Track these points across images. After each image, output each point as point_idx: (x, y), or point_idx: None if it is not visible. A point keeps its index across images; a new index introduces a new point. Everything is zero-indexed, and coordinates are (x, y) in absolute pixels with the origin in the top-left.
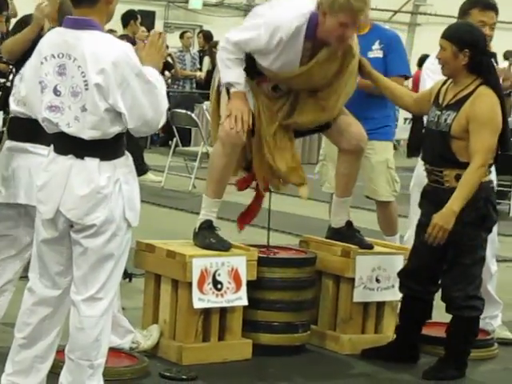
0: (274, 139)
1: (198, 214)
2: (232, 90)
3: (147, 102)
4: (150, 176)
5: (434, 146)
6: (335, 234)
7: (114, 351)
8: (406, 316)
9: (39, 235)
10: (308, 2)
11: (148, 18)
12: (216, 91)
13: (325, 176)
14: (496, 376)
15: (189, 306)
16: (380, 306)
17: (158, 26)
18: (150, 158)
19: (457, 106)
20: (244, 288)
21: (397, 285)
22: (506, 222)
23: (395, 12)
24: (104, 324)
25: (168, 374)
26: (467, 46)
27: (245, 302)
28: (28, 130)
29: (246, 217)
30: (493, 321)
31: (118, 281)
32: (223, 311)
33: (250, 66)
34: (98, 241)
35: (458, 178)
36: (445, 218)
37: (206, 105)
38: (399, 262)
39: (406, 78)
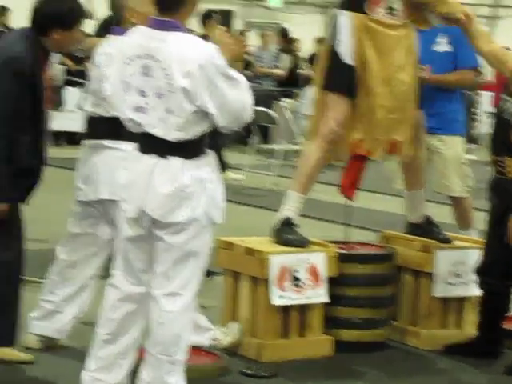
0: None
1: (277, 211)
2: None
3: (235, 98)
4: (230, 174)
5: (497, 134)
6: (414, 228)
7: (193, 349)
8: (485, 311)
9: (124, 233)
10: None
11: (226, 17)
12: (323, 85)
13: (395, 173)
14: None
15: (268, 303)
16: (461, 301)
17: (237, 24)
18: (230, 155)
19: None
20: (324, 284)
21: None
22: None
23: (474, 5)
24: (185, 320)
25: (248, 372)
26: None
27: (325, 299)
28: (105, 127)
29: (352, 184)
30: None
31: (200, 278)
32: (303, 308)
33: None
34: (181, 237)
35: None
36: None
37: (285, 102)
38: (478, 256)
39: (476, 69)
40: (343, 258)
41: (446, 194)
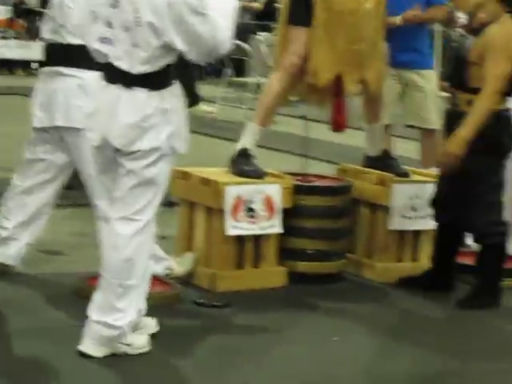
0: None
1: None
2: None
3: (206, 33)
4: (203, 106)
5: (455, 68)
6: (372, 162)
7: None
8: (440, 244)
9: (94, 162)
10: None
11: None
12: (286, 17)
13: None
14: None
15: (223, 233)
16: (416, 234)
17: None
18: (203, 88)
19: (479, 31)
20: (278, 215)
21: None
22: None
23: None
24: (138, 245)
25: (201, 301)
26: None
27: (279, 230)
28: (61, 54)
29: (340, 117)
30: None
31: (156, 206)
32: (258, 239)
33: None
34: (140, 164)
35: (469, 102)
36: (455, 144)
37: (262, 35)
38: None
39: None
40: (299, 190)
41: (422, 126)
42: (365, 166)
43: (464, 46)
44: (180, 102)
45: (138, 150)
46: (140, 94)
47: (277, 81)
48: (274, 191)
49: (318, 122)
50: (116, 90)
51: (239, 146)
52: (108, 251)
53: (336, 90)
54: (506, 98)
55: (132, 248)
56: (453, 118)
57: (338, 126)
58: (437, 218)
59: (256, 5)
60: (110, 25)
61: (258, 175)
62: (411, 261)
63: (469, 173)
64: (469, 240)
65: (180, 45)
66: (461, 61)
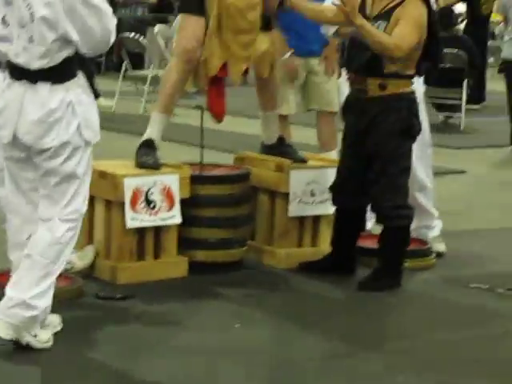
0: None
1: None
2: None
3: (95, 24)
4: (102, 101)
5: (360, 55)
6: (268, 150)
7: None
8: (339, 229)
9: (5, 154)
10: None
11: None
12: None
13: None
14: (431, 285)
15: (122, 225)
16: (316, 219)
17: None
18: (102, 83)
19: (387, 15)
20: (177, 206)
21: None
22: (458, 135)
23: None
24: (70, 236)
25: (103, 294)
26: None
27: (178, 220)
28: None
29: (218, 106)
30: (428, 231)
31: (85, 196)
32: (158, 230)
33: None
34: (56, 162)
35: (381, 86)
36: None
37: (159, 27)
38: (333, 176)
39: None
40: (197, 180)
41: (325, 109)
42: (263, 153)
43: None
44: (86, 93)
45: (50, 148)
46: (43, 88)
47: (173, 68)
48: (172, 181)
49: None
50: (21, 87)
51: (144, 136)
52: (42, 231)
53: (214, 78)
54: (412, 81)
55: (65, 236)
56: (360, 103)
57: (216, 114)
58: (335, 201)
59: None
60: (5, 22)
61: (155, 166)
62: (311, 246)
63: (381, 155)
64: (368, 224)
65: (75, 36)
66: (364, 48)
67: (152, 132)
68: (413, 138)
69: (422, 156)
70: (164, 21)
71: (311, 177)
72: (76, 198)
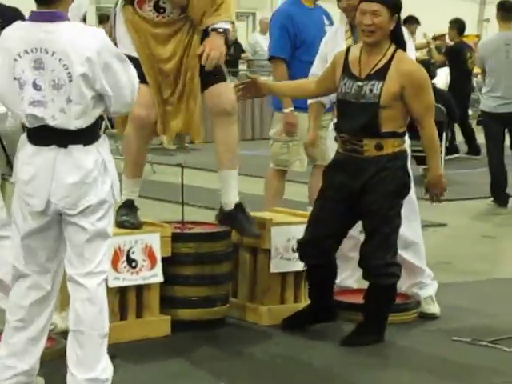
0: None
1: None
2: None
3: (126, 80)
4: None
5: (355, 117)
6: (222, 217)
7: None
8: (314, 283)
9: (26, 226)
10: None
11: None
12: None
13: (296, 155)
14: (414, 339)
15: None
16: (298, 275)
17: (91, 10)
18: None
19: (380, 74)
20: (159, 264)
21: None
22: None
23: None
24: (103, 295)
25: None
26: (398, 10)
27: (160, 279)
28: None
29: None
30: (420, 290)
31: (109, 255)
32: (140, 289)
33: None
34: (91, 219)
35: (377, 146)
36: (438, 181)
37: None
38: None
39: None
40: (178, 238)
41: (323, 164)
42: (218, 221)
43: (363, 94)
44: (109, 151)
45: (89, 206)
46: (77, 150)
47: (130, 135)
48: (153, 240)
49: (196, 169)
50: (51, 152)
51: (122, 197)
52: (80, 306)
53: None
54: (404, 140)
55: (101, 299)
56: (354, 163)
57: None
58: (306, 256)
59: None
60: (38, 87)
61: (135, 226)
62: (294, 302)
63: (376, 215)
64: (350, 280)
65: (110, 91)
66: (359, 109)
67: (128, 194)
68: (405, 197)
69: (409, 213)
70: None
71: (292, 233)
72: (105, 255)
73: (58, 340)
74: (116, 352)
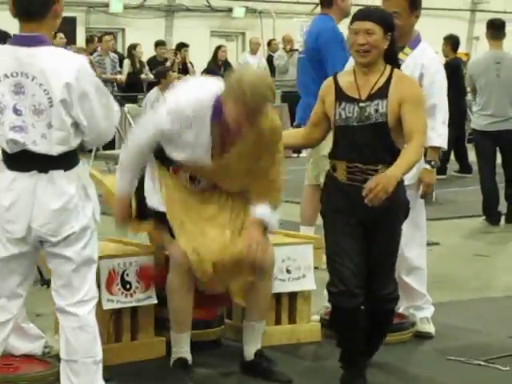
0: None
1: None
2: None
3: (102, 114)
4: None
5: (363, 141)
6: (248, 368)
7: (26, 357)
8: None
9: (4, 252)
10: (214, 83)
11: (69, 25)
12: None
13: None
14: (410, 358)
15: (99, 307)
16: (292, 296)
17: (80, 31)
18: None
19: (383, 92)
20: (153, 286)
21: (309, 274)
22: (430, 207)
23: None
24: (95, 322)
25: None
26: (391, 29)
27: (154, 301)
28: None
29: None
30: (417, 312)
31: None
32: (134, 311)
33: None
34: (76, 247)
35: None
36: (388, 180)
37: (128, 107)
38: (308, 252)
39: None
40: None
41: (319, 183)
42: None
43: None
44: (88, 176)
45: (72, 234)
46: (58, 176)
47: (177, 280)
48: (148, 262)
49: None
50: (31, 178)
51: (174, 356)
52: (74, 334)
53: None
54: None
55: (95, 326)
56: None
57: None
58: (344, 300)
59: (119, 76)
60: (18, 112)
61: None
62: (289, 323)
63: (387, 248)
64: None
65: (84, 120)
66: (372, 129)
67: (178, 351)
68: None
69: (417, 238)
70: (133, 100)
71: (286, 254)
72: (93, 281)
73: (52, 363)
74: (111, 374)
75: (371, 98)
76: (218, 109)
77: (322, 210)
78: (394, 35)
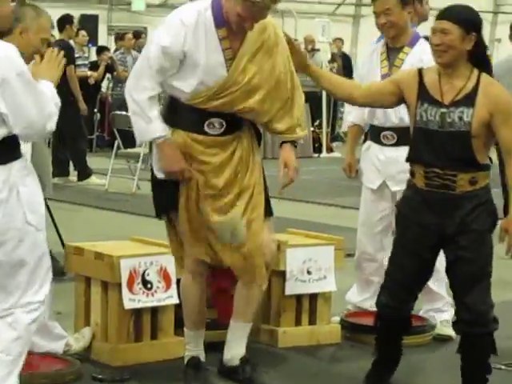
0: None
1: (141, 215)
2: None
3: (30, 102)
4: (94, 179)
5: (443, 148)
6: (228, 373)
7: (46, 356)
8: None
9: None
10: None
11: (91, 22)
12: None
13: None
14: (431, 361)
15: (119, 306)
16: (313, 297)
17: (102, 29)
18: (94, 161)
19: (469, 100)
20: (174, 286)
21: (329, 276)
22: None
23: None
24: (33, 331)
25: (100, 376)
26: (474, 28)
27: (176, 300)
28: None
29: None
30: (437, 314)
31: (42, 285)
32: (155, 310)
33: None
34: (4, 249)
35: (472, 181)
36: None
37: None
38: (329, 253)
39: None
40: None
41: None
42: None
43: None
44: (31, 176)
45: None
46: None
47: (190, 284)
48: (168, 262)
49: None
50: None
51: (187, 354)
52: (4, 328)
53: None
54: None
55: (29, 330)
56: (444, 202)
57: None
58: (395, 311)
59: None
60: None
61: None
62: (309, 324)
63: (476, 261)
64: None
65: (3, 109)
66: (454, 137)
67: (192, 349)
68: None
69: None
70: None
71: (307, 255)
72: (31, 286)
73: (71, 361)
74: (130, 374)
75: (456, 104)
76: (219, 13)
77: (396, 213)
78: (480, 36)
